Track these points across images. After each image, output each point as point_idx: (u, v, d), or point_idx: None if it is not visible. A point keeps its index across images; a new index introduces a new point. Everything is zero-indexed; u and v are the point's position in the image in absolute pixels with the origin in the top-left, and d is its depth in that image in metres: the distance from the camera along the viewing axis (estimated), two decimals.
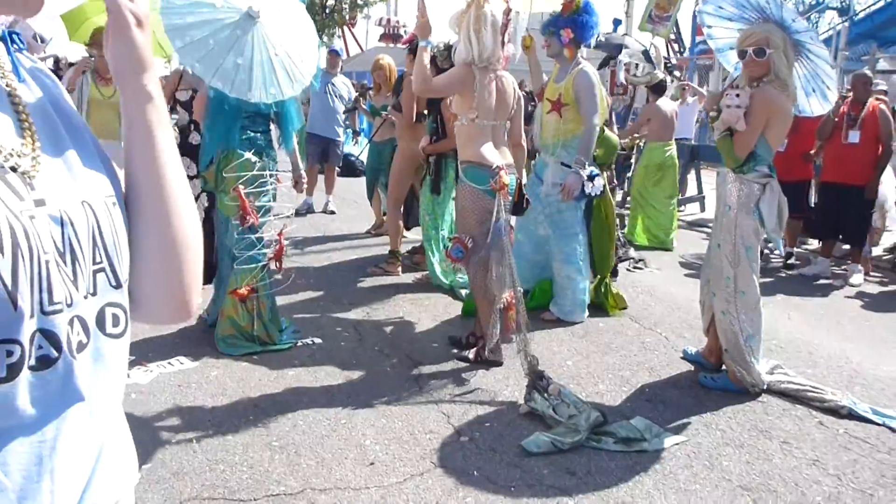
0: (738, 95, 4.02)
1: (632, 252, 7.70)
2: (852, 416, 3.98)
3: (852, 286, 7.00)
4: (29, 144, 0.87)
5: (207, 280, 5.23)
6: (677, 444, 3.62)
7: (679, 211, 10.59)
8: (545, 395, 3.82)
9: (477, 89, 4.31)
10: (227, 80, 3.98)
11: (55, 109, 0.94)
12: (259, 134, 4.54)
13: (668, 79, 12.35)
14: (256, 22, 4.08)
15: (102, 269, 0.90)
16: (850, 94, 7.34)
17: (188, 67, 4.17)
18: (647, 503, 3.11)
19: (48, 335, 0.83)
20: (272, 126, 4.70)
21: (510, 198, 4.38)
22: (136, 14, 0.94)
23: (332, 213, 9.59)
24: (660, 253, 8.21)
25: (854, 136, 7.07)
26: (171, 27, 3.95)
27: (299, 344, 4.74)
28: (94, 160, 0.95)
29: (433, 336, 5.09)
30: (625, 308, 5.74)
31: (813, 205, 7.86)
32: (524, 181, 4.81)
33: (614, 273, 6.08)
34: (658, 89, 8.59)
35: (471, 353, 4.57)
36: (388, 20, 40.53)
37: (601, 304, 5.66)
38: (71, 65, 9.12)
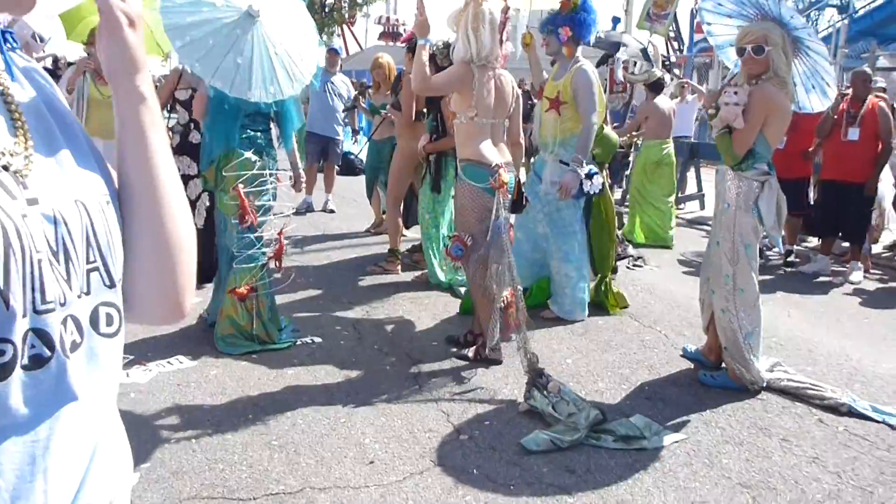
0: (736, 93, 4.02)
1: (630, 250, 7.70)
2: (852, 413, 3.98)
3: (852, 284, 7.00)
4: (21, 143, 0.86)
5: (207, 279, 5.24)
6: (677, 441, 3.62)
7: (679, 209, 10.61)
8: (545, 392, 3.82)
9: (476, 87, 4.30)
10: (226, 79, 3.97)
11: (49, 109, 0.94)
12: (259, 133, 4.54)
13: (669, 77, 12.36)
14: (256, 21, 4.07)
15: (96, 269, 0.90)
16: (850, 91, 7.33)
17: (188, 67, 4.16)
18: (647, 501, 3.11)
19: (41, 334, 0.82)
20: (272, 125, 4.69)
21: (509, 196, 4.38)
22: (129, 14, 0.94)
23: (332, 211, 9.59)
24: (659, 251, 8.21)
25: (853, 134, 7.07)
26: (171, 26, 3.95)
27: (299, 343, 4.74)
28: (87, 159, 0.95)
29: (433, 335, 5.08)
30: (626, 307, 5.74)
31: (812, 202, 7.85)
32: (523, 179, 4.81)
33: (613, 271, 6.07)
34: (656, 87, 8.60)
35: (470, 352, 4.57)
36: (388, 18, 40.52)
37: (601, 304, 5.66)
38: (70, 64, 9.11)
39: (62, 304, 0.85)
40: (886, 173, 7.53)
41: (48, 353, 0.83)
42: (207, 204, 5.49)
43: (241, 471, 3.21)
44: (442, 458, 3.38)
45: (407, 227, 7.22)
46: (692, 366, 4.61)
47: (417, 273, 6.52)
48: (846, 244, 7.78)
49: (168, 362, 4.35)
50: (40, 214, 0.84)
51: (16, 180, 0.83)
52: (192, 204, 5.92)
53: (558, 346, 4.90)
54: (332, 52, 9.69)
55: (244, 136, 4.46)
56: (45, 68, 9.31)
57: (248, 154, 4.45)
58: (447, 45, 5.31)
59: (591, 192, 5.09)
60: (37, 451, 0.83)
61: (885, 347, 5.20)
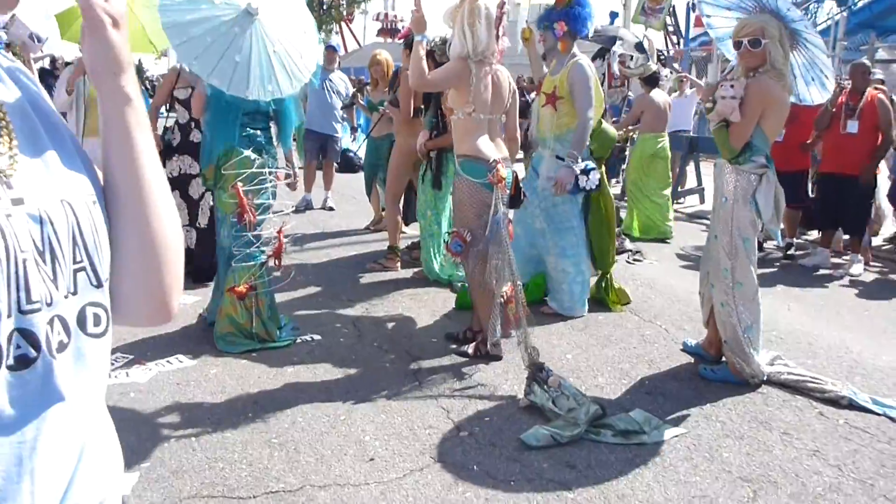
0: (732, 86, 4.01)
1: (627, 244, 7.69)
2: (852, 406, 3.98)
3: (852, 276, 6.99)
4: (6, 143, 0.86)
5: (209, 278, 5.23)
6: (677, 436, 3.62)
7: (678, 203, 10.62)
8: (545, 387, 3.81)
9: (473, 83, 4.30)
10: (224, 77, 3.96)
11: (34, 109, 0.94)
12: (259, 131, 4.53)
13: (668, 71, 12.34)
14: (255, 19, 4.06)
15: (83, 268, 0.90)
16: (848, 83, 7.31)
17: (186, 65, 4.15)
18: (647, 496, 3.10)
19: (26, 334, 0.82)
20: (272, 123, 4.68)
21: (507, 191, 4.38)
22: (112, 14, 0.93)
23: (331, 209, 9.59)
24: (659, 245, 8.21)
25: (853, 126, 7.05)
26: (169, 24, 3.94)
27: (298, 341, 4.74)
28: (73, 159, 0.94)
29: (432, 331, 5.08)
30: (627, 303, 5.72)
31: (811, 195, 7.84)
32: (521, 175, 4.80)
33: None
34: (651, 81, 8.62)
35: (470, 348, 4.56)
36: (386, 15, 40.52)
37: (602, 300, 5.65)
38: (67, 64, 9.11)
39: (48, 304, 0.84)
40: (881, 166, 7.52)
41: (34, 353, 0.83)
42: (211, 203, 5.48)
43: (241, 469, 3.21)
44: (442, 455, 3.38)
45: (406, 224, 7.21)
46: (692, 360, 4.61)
47: (417, 269, 6.51)
48: (846, 237, 7.76)
49: (168, 361, 4.35)
50: (26, 214, 0.83)
51: (0, 180, 0.83)
52: (196, 203, 5.91)
53: (558, 342, 4.90)
54: (330, 50, 9.67)
55: (244, 134, 4.45)
56: (43, 68, 9.32)
57: (248, 152, 4.44)
58: (445, 42, 5.31)
59: (588, 188, 5.08)
60: (24, 451, 0.83)
61: (885, 340, 5.19)
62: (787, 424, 3.78)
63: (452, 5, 4.43)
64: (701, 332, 4.78)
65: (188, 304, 5.36)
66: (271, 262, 4.64)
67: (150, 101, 6.49)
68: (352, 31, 42.42)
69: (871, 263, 7.52)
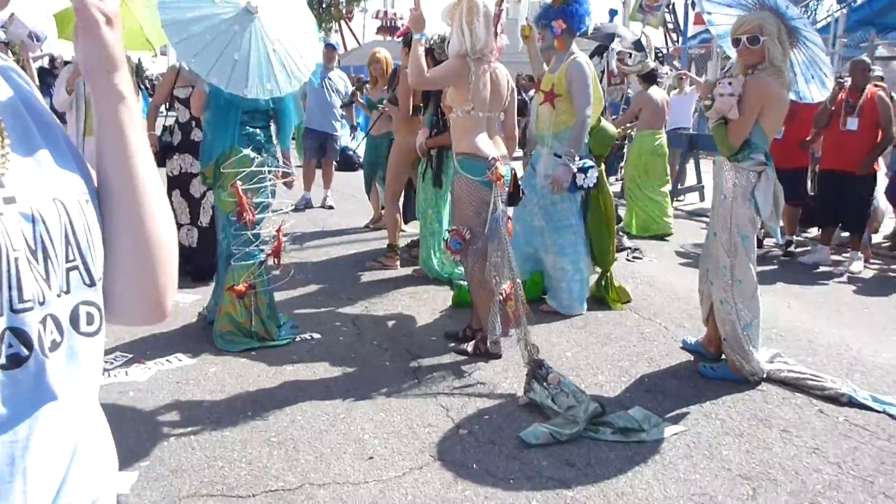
0: (730, 84, 4.01)
1: (626, 241, 7.68)
2: (852, 403, 3.97)
3: (852, 274, 6.98)
4: None
5: (208, 277, 5.23)
6: (676, 434, 3.62)
7: (678, 200, 10.62)
8: (545, 384, 3.81)
9: (472, 81, 4.29)
10: (223, 75, 3.96)
11: (26, 108, 0.93)
12: (258, 130, 4.52)
13: (668, 69, 12.32)
14: (255, 18, 4.06)
15: (76, 267, 0.89)
16: (848, 80, 7.30)
17: (185, 63, 4.14)
18: (647, 493, 3.10)
19: (18, 333, 0.81)
20: (271, 122, 4.67)
21: (506, 189, 4.38)
22: (105, 12, 0.93)
23: (331, 207, 9.58)
24: (658, 242, 8.21)
25: (852, 123, 7.04)
26: (168, 22, 3.94)
27: (297, 339, 4.74)
28: (66, 158, 0.94)
29: (432, 329, 5.08)
30: (628, 301, 5.71)
31: (811, 192, 7.83)
32: (519, 173, 4.80)
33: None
34: (649, 78, 8.64)
35: (469, 346, 4.56)
36: (385, 13, 40.50)
37: (603, 298, 5.64)
38: (66, 63, 9.10)
39: (41, 303, 0.84)
40: (879, 163, 7.51)
41: (26, 352, 0.82)
42: (213, 202, 5.48)
43: (241, 468, 3.20)
44: (441, 453, 3.38)
45: (406, 222, 7.21)
46: (692, 358, 4.61)
47: (416, 268, 6.51)
48: (846, 234, 7.76)
49: (167, 360, 4.35)
50: (18, 213, 0.83)
51: None
52: (197, 202, 5.91)
53: (558, 340, 4.89)
54: (329, 48, 9.66)
55: (243, 132, 4.45)
56: (42, 67, 9.31)
57: (247, 151, 4.43)
58: (444, 40, 5.30)
59: (586, 186, 5.08)
60: (16, 451, 0.82)
61: (885, 337, 5.19)
62: (787, 422, 3.78)
63: (451, 3, 4.42)
64: (700, 330, 4.77)
65: (187, 303, 5.36)
66: (270, 261, 4.64)
67: (150, 99, 6.48)
68: (351, 30, 42.43)
69: (871, 261, 7.51)
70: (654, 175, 8.68)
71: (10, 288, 0.80)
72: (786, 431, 3.68)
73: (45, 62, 10.87)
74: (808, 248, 7.89)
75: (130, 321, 1.05)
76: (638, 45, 8.05)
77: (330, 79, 9.25)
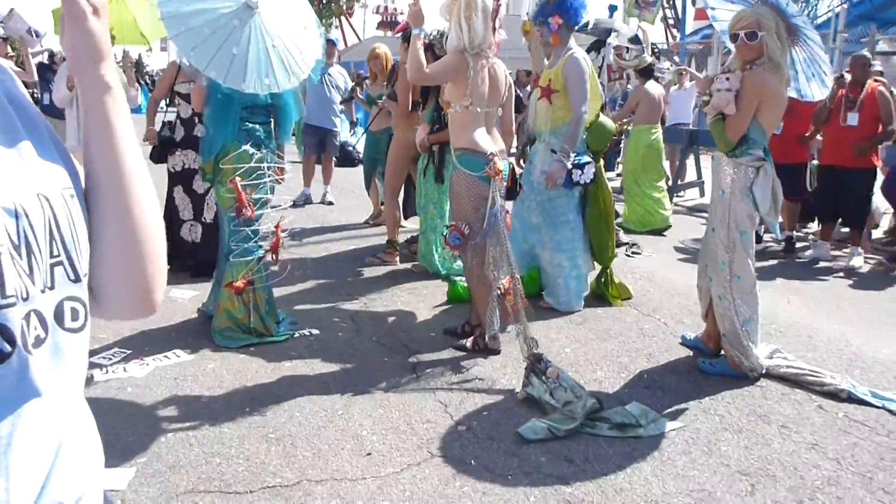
0: (728, 79, 4.00)
1: (623, 236, 7.67)
2: (852, 399, 3.97)
3: (852, 269, 6.97)
4: None
5: (210, 273, 5.21)
6: (674, 429, 3.61)
7: (678, 196, 10.62)
8: (543, 378, 3.81)
9: (470, 76, 4.28)
10: (221, 69, 3.95)
11: (10, 102, 0.93)
12: (258, 126, 4.50)
13: (668, 64, 12.30)
14: (255, 13, 4.06)
15: (60, 263, 0.89)
16: (847, 76, 7.28)
17: (183, 56, 4.12)
18: (646, 490, 3.10)
19: (1, 329, 0.81)
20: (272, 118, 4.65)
21: (504, 183, 4.37)
22: (93, 3, 0.93)
23: (330, 203, 9.58)
24: (657, 238, 8.21)
25: (853, 119, 7.03)
26: (167, 15, 3.93)
27: (296, 335, 4.73)
28: (50, 153, 0.94)
29: (431, 325, 5.07)
30: (628, 298, 5.69)
31: (810, 188, 7.81)
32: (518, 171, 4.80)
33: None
34: (646, 72, 8.69)
35: (468, 342, 4.56)
36: (385, 8, 40.42)
37: (602, 295, 5.63)
38: (65, 59, 9.10)
39: (24, 299, 0.83)
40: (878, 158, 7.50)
41: (8, 348, 0.81)
42: None
43: (238, 464, 3.20)
44: (440, 449, 3.37)
45: (405, 218, 7.20)
46: (691, 353, 4.60)
47: (415, 263, 6.50)
48: (846, 229, 7.75)
49: (165, 356, 4.34)
50: (0, 208, 0.82)
51: None
52: (201, 198, 5.90)
53: (556, 336, 4.89)
54: (330, 44, 9.64)
55: (243, 128, 4.43)
56: (42, 63, 9.31)
57: (246, 146, 4.42)
58: (444, 35, 5.28)
59: (583, 182, 5.06)
60: None
61: (885, 333, 5.18)
62: (786, 418, 3.78)
63: None
64: (700, 326, 4.77)
65: (186, 299, 5.35)
66: (269, 257, 4.63)
67: (150, 94, 6.47)
68: (351, 26, 42.39)
69: (871, 257, 7.49)
70: (650, 170, 8.70)
71: None
72: (785, 427, 3.67)
73: (45, 58, 10.84)
74: (808, 243, 7.88)
75: (120, 314, 1.05)
76: (635, 40, 8.06)
77: (329, 75, 9.23)
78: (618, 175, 11.04)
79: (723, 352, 4.35)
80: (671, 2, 26.10)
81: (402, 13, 37.51)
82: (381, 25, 39.45)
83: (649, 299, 5.76)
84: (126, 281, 1.01)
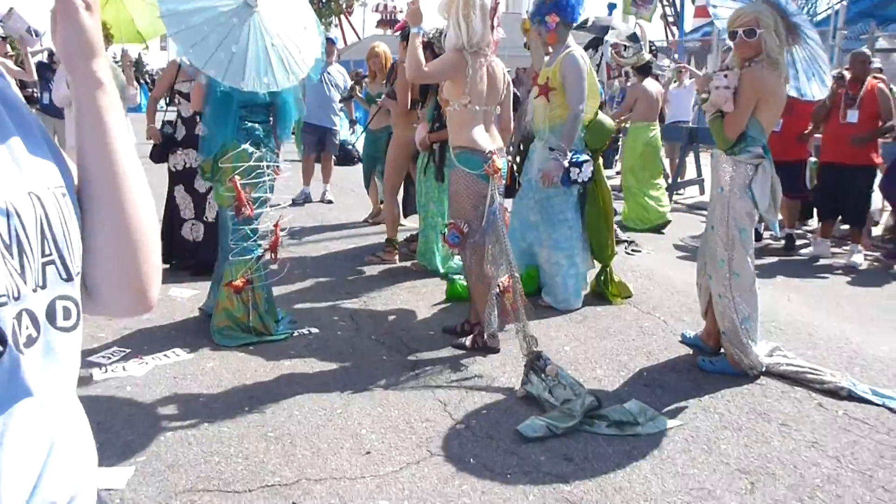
0: (726, 76, 3.99)
1: (621, 234, 7.66)
2: (852, 397, 3.96)
3: (852, 267, 6.96)
4: None
5: (211, 271, 5.21)
6: (673, 427, 3.60)
7: (678, 194, 10.62)
8: (542, 375, 3.80)
9: (469, 75, 4.27)
10: (219, 67, 3.95)
11: (1, 101, 0.92)
12: (257, 125, 4.50)
13: (669, 62, 12.28)
14: (254, 11, 4.06)
15: (52, 262, 0.88)
16: (847, 74, 7.27)
17: (182, 54, 4.12)
18: (645, 488, 3.09)
19: None
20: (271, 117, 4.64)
21: (503, 181, 4.37)
22: None
23: (330, 202, 9.57)
24: (657, 236, 8.20)
25: (852, 116, 7.03)
26: (167, 13, 3.93)
27: (295, 334, 4.73)
28: (42, 151, 0.93)
29: (430, 324, 5.07)
30: (629, 296, 5.67)
31: (809, 185, 7.81)
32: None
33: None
34: (644, 70, 8.70)
35: (467, 341, 4.55)
36: (385, 6, 40.36)
37: (602, 293, 5.62)
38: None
39: (16, 298, 0.82)
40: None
41: (0, 347, 0.81)
42: None
43: (237, 463, 3.20)
44: (439, 448, 3.37)
45: (405, 217, 7.20)
46: (691, 351, 4.60)
47: (414, 262, 6.49)
48: (846, 227, 7.74)
49: (165, 355, 4.34)
50: None
51: None
52: (203, 197, 5.90)
53: (556, 334, 4.88)
54: (329, 43, 9.62)
55: (242, 127, 4.43)
56: (41, 62, 9.30)
57: (246, 145, 4.41)
58: (443, 33, 5.28)
59: (581, 181, 5.06)
60: None
61: (884, 330, 5.17)
62: (786, 416, 3.77)
63: None
64: (699, 324, 4.76)
65: (185, 298, 5.35)
66: (268, 256, 4.62)
67: (150, 94, 6.47)
68: (351, 24, 42.33)
69: (869, 253, 7.48)
70: (648, 167, 8.72)
71: None
72: (785, 425, 3.67)
73: (44, 57, 10.84)
74: (808, 241, 7.87)
75: (115, 312, 1.04)
76: (633, 38, 8.07)
77: (329, 73, 9.22)
78: (617, 173, 11.04)
79: (722, 350, 4.35)
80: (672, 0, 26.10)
81: (401, 11, 37.37)
82: (380, 24, 39.39)
83: (649, 297, 5.75)
84: (120, 279, 1.00)
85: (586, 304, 5.47)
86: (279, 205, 4.76)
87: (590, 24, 5.95)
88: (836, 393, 3.99)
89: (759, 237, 7.44)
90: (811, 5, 19.09)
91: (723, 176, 4.15)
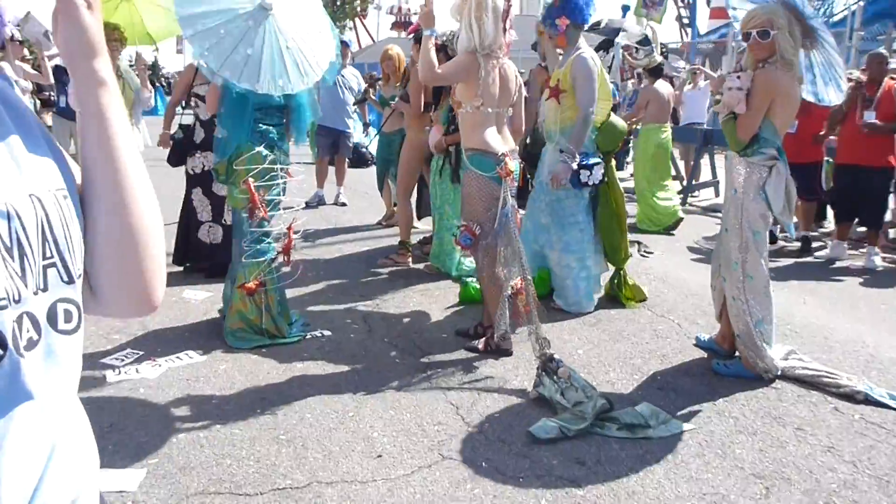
0: (739, 77, 3.96)
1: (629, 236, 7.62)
2: (868, 401, 3.92)
3: (869, 269, 6.90)
4: None
5: (222, 275, 5.22)
6: (686, 431, 3.58)
7: (692, 196, 10.57)
8: (554, 377, 3.79)
9: (481, 77, 4.27)
10: (235, 69, 3.97)
11: (2, 103, 0.92)
12: (272, 127, 4.50)
13: (684, 63, 12.24)
14: (269, 14, 4.08)
15: (53, 264, 0.88)
16: (861, 78, 7.21)
17: (198, 56, 4.13)
18: (658, 493, 3.07)
19: None
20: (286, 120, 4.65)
21: (515, 183, 4.36)
22: None
23: (343, 204, 9.59)
24: (670, 238, 8.16)
25: (870, 117, 6.96)
26: (182, 16, 3.95)
27: (308, 337, 4.73)
28: (43, 153, 0.93)
29: (442, 327, 5.06)
30: (643, 300, 5.63)
31: (825, 187, 7.74)
32: None
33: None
34: (656, 72, 8.69)
35: (480, 343, 4.54)
36: (399, 8, 40.51)
37: (616, 296, 5.59)
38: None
39: (16, 301, 0.82)
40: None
41: (0, 351, 0.81)
42: None
43: (249, 465, 3.20)
44: (451, 451, 3.36)
45: (418, 219, 7.19)
46: (705, 355, 4.56)
47: (427, 264, 6.48)
48: (862, 229, 7.67)
49: (178, 357, 4.35)
50: None
51: None
52: (221, 199, 5.90)
53: (569, 337, 4.86)
54: (343, 45, 9.63)
55: (256, 129, 4.44)
56: (57, 66, 9.39)
57: (260, 147, 4.42)
58: (455, 35, 5.27)
59: (591, 183, 5.03)
60: None
61: None
62: (802, 420, 3.73)
63: None
64: (714, 327, 4.73)
65: (199, 300, 5.37)
66: (280, 258, 4.63)
67: (167, 98, 6.50)
68: (365, 27, 42.50)
69: (886, 255, 7.40)
70: (659, 168, 8.71)
71: None
72: (800, 430, 3.63)
73: (61, 60, 10.95)
74: (823, 243, 7.80)
75: (119, 312, 1.04)
76: (644, 41, 8.06)
77: (343, 76, 9.23)
78: (631, 175, 11.00)
79: (737, 353, 4.31)
80: (686, 1, 25.98)
81: (416, 14, 37.51)
82: (395, 26, 39.56)
83: (663, 300, 5.72)
84: (124, 279, 1.00)
85: (600, 307, 5.44)
86: (293, 207, 4.76)
87: (603, 25, 5.93)
88: (852, 397, 3.95)
89: (773, 239, 7.39)
90: (828, 6, 18.95)
91: (736, 178, 4.12)
